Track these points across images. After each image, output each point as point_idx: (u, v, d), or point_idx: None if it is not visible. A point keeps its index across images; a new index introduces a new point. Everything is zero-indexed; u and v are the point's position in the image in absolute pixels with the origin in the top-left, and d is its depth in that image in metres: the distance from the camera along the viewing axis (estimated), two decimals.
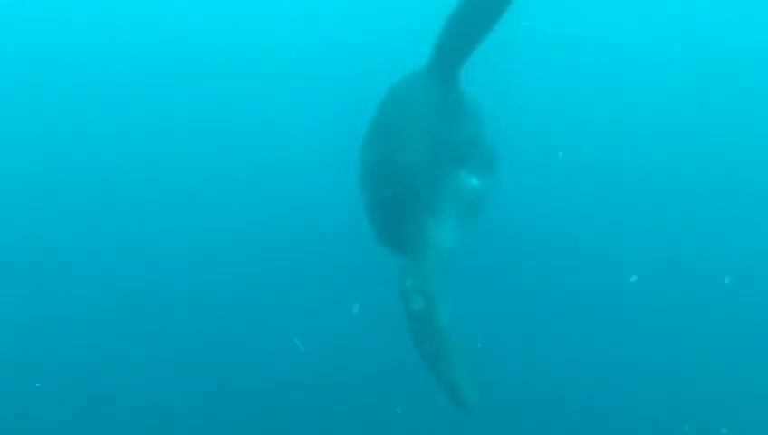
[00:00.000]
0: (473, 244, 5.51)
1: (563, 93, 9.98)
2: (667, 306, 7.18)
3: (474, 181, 5.67)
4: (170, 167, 9.76)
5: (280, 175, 9.21)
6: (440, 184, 5.28)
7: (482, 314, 6.01)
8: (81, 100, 11.19)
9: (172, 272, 8.06)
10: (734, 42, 11.37)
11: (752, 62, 10.75)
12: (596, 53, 10.97)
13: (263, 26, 12.74)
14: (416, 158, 5.08)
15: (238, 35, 12.56)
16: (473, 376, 4.39)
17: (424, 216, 5.07)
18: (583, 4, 11.47)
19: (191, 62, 12.01)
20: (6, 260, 8.55)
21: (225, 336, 7.36)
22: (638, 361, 6.66)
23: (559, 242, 7.59)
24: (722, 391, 6.66)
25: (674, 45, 11.18)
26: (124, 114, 10.84)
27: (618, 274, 7.21)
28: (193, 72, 11.79)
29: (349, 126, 5.91)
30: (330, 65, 11.21)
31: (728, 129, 9.58)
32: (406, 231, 4.98)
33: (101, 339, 7.47)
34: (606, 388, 6.34)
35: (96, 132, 10.53)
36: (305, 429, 6.53)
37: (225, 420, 6.77)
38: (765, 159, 9.24)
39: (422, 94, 5.50)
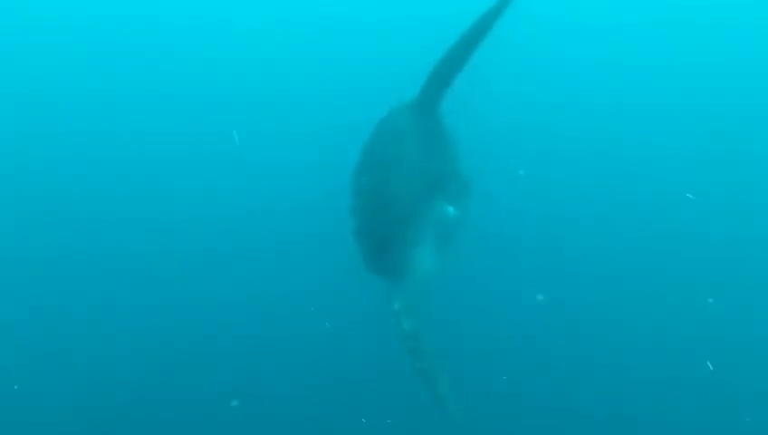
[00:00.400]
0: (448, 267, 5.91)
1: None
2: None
3: (450, 210, 6.10)
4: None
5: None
6: (423, 213, 5.69)
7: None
8: (73, 102, 11.28)
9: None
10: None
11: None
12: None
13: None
14: (404, 188, 5.47)
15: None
16: (456, 389, 4.84)
17: (409, 242, 5.46)
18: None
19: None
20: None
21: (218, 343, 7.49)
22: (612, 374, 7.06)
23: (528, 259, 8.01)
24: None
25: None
26: (115, 115, 10.93)
27: (589, 292, 7.61)
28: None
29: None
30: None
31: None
32: (392, 257, 5.36)
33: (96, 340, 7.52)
34: (581, 396, 6.74)
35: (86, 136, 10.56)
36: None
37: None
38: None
39: (410, 127, 5.93)
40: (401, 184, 5.48)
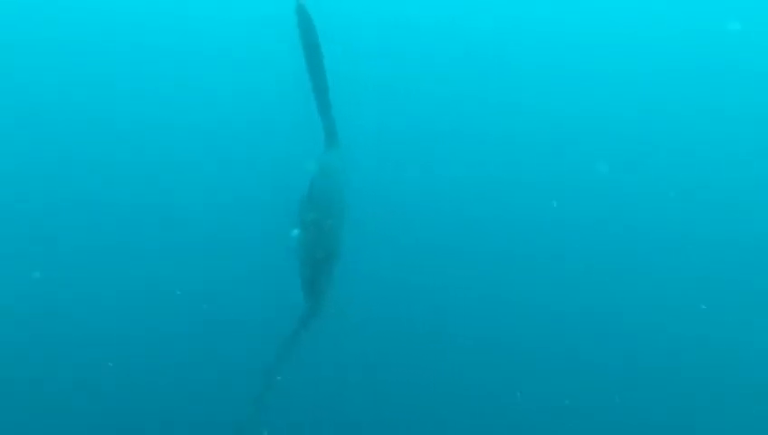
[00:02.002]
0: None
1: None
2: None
3: (343, 241, 7.39)
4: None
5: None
6: (338, 244, 6.88)
7: None
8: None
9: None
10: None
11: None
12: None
13: None
14: (336, 223, 6.58)
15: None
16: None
17: (330, 272, 6.61)
18: None
19: None
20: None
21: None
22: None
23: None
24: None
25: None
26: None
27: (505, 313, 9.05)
28: None
29: None
30: None
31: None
32: (321, 285, 6.45)
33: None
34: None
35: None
36: None
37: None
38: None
39: (335, 164, 6.99)
40: (335, 219, 6.58)
